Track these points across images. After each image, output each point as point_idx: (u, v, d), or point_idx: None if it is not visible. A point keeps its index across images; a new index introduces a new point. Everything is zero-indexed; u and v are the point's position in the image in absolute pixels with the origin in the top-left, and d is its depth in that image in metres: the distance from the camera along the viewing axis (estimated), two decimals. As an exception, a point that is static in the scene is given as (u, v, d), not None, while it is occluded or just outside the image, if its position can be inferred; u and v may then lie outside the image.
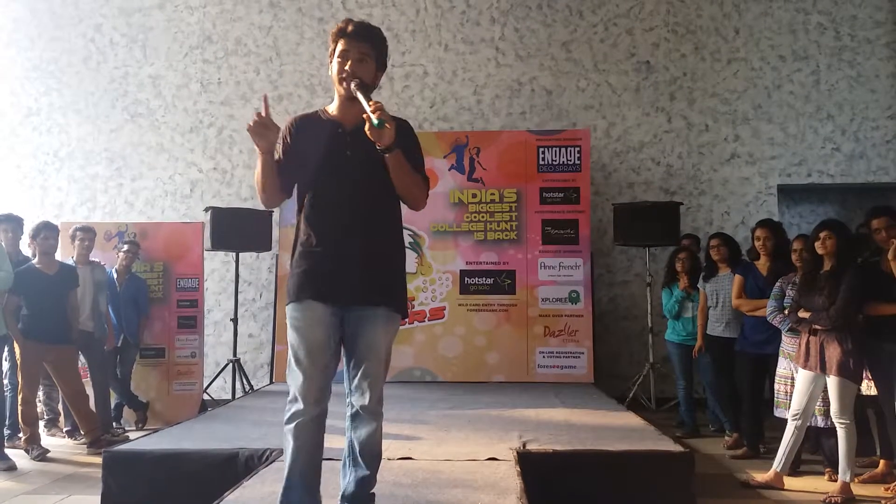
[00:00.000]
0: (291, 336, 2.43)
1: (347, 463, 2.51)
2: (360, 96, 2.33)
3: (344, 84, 2.41)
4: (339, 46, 2.45)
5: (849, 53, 7.54)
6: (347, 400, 2.47)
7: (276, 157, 2.49)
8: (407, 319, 2.60)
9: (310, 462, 2.43)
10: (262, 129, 2.37)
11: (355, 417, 2.45)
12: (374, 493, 2.56)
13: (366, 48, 2.45)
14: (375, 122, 2.22)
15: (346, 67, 2.41)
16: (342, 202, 2.43)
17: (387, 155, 2.33)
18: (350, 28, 2.45)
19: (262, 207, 6.80)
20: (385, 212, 2.51)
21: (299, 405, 2.38)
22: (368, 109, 2.25)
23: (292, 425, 2.39)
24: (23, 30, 7.91)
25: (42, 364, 5.14)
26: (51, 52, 7.87)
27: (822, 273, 4.08)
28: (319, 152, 2.45)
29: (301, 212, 2.53)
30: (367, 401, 2.41)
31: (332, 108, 2.55)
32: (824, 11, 7.58)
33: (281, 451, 3.59)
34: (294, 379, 2.40)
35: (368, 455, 2.46)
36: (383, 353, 2.45)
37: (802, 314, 4.10)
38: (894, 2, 7.56)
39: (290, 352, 2.43)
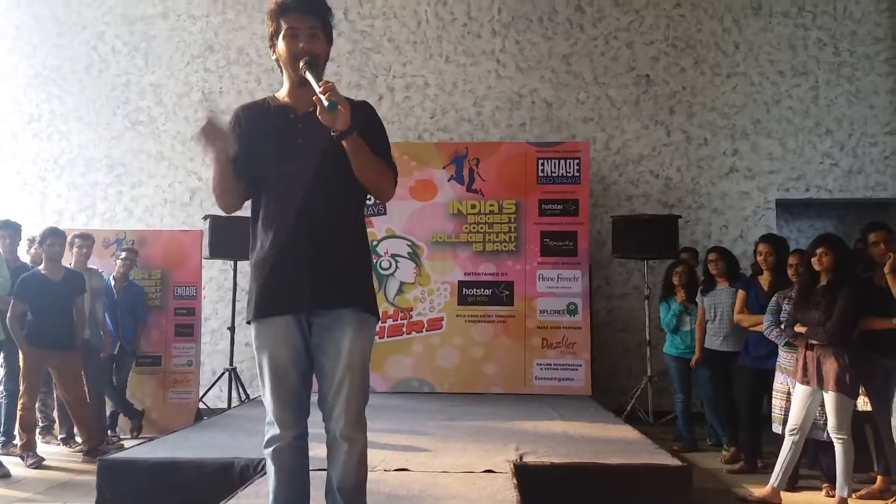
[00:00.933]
0: (258, 358, 2.20)
1: (328, 497, 2.24)
2: (309, 77, 2.08)
3: (301, 65, 2.12)
4: (285, 24, 2.17)
5: (848, 69, 7.58)
6: (325, 426, 2.20)
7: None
8: (380, 319, 2.34)
9: (293, 486, 2.22)
10: (214, 132, 2.11)
11: (328, 447, 2.19)
12: None
13: (315, 22, 2.20)
14: (326, 104, 1.97)
15: (301, 46, 2.15)
16: (296, 196, 2.16)
17: (343, 141, 2.06)
18: (293, 1, 2.17)
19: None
20: (345, 205, 2.22)
21: (275, 430, 2.18)
22: (318, 91, 2.01)
23: (271, 450, 2.20)
24: (25, 37, 7.95)
25: (44, 371, 5.12)
26: (53, 59, 7.90)
27: (819, 288, 4.08)
28: (270, 143, 2.20)
29: (253, 212, 2.29)
30: (341, 425, 2.13)
31: (282, 94, 2.29)
32: (824, 27, 7.62)
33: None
34: (267, 403, 2.19)
35: (350, 488, 2.19)
36: (358, 362, 2.15)
37: (798, 329, 4.10)
38: (893, 18, 7.62)
39: (258, 375, 2.21)
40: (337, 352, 2.14)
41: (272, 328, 2.17)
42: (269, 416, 2.20)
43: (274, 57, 2.27)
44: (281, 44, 2.20)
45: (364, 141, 2.12)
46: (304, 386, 2.21)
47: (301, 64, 2.12)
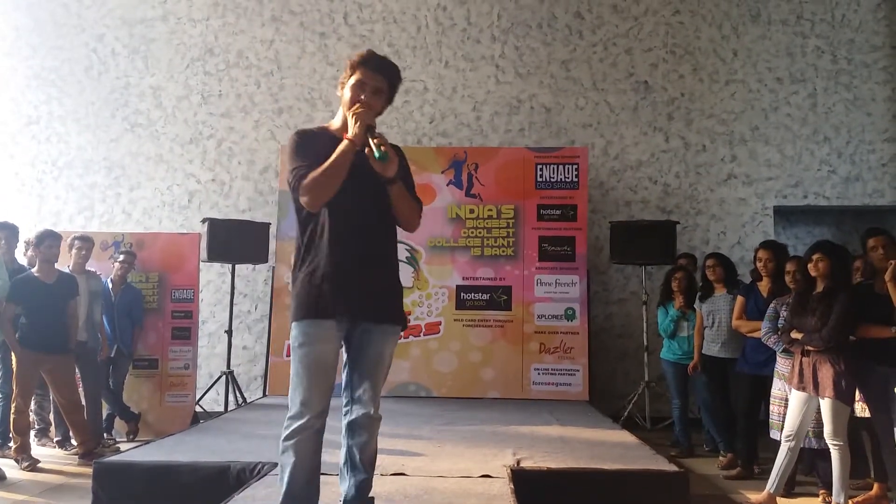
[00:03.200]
0: (300, 353, 2.45)
1: (346, 470, 2.56)
2: (370, 140, 2.40)
3: (356, 113, 2.44)
4: (357, 75, 2.53)
5: (846, 77, 7.61)
6: (346, 408, 2.54)
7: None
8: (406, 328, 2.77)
9: (309, 478, 2.45)
10: (369, 120, 2.44)
11: (354, 425, 2.52)
12: (373, 497, 2.62)
13: (383, 82, 2.55)
14: (377, 154, 2.34)
15: (362, 97, 2.50)
16: (353, 220, 2.49)
17: (391, 185, 2.46)
18: (372, 59, 2.55)
19: (259, 220, 6.89)
20: (388, 228, 2.60)
21: (303, 420, 2.40)
22: (372, 143, 2.37)
23: (293, 441, 2.40)
24: (24, 38, 7.95)
25: (38, 374, 5.10)
26: (52, 61, 7.91)
27: (815, 294, 4.09)
28: None
29: (306, 228, 2.54)
30: (371, 410, 2.49)
31: (336, 125, 2.62)
32: (822, 35, 7.65)
33: (272, 465, 3.58)
34: (300, 395, 2.42)
35: (368, 459, 2.54)
36: (386, 364, 2.58)
37: (795, 335, 4.11)
38: (891, 26, 7.65)
39: (294, 368, 2.45)
40: (377, 354, 2.53)
41: (319, 329, 2.46)
42: (298, 408, 2.42)
43: (339, 94, 2.62)
44: (347, 89, 2.55)
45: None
46: (334, 382, 2.52)
47: (360, 129, 2.41)
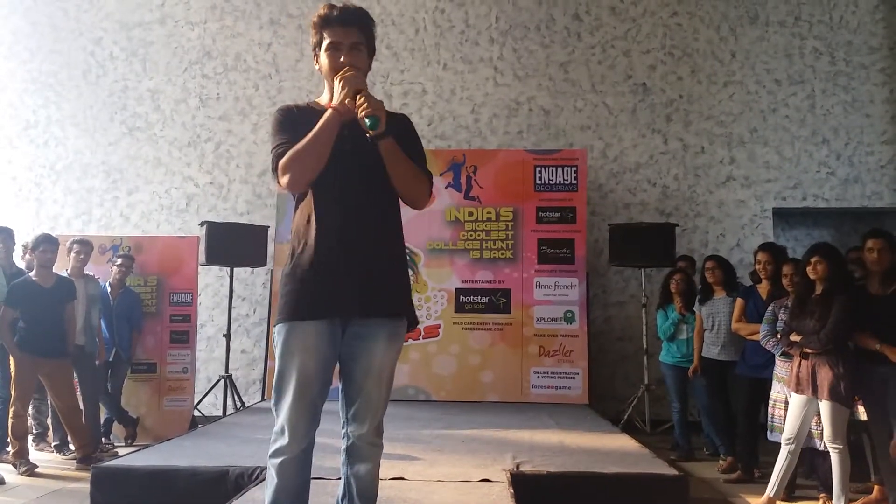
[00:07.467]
0: (280, 363, 2.12)
1: (342, 502, 2.26)
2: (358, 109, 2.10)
3: (345, 77, 2.13)
4: (328, 37, 2.19)
5: (844, 78, 7.61)
6: (343, 430, 2.21)
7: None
8: (416, 328, 2.36)
9: (293, 499, 2.15)
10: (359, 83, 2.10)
11: (351, 451, 2.20)
12: None
13: (356, 35, 2.20)
14: (368, 123, 2.05)
15: (342, 59, 2.17)
16: (341, 202, 2.14)
17: (380, 142, 2.10)
18: (336, 14, 2.18)
19: (257, 223, 6.88)
20: (388, 212, 2.23)
21: (285, 440, 2.09)
22: (359, 117, 2.08)
23: (277, 461, 2.11)
24: (23, 42, 7.94)
25: (35, 378, 5.09)
26: (50, 64, 7.90)
27: (814, 297, 4.08)
28: None
29: (296, 216, 2.24)
30: (364, 430, 2.15)
31: (324, 100, 2.27)
32: (820, 37, 7.66)
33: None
34: (280, 410, 2.11)
35: (366, 498, 2.20)
36: (385, 375, 2.17)
37: (794, 338, 4.10)
38: (889, 28, 7.66)
39: (276, 378, 2.12)
40: (369, 362, 2.14)
41: (303, 334, 2.10)
42: (280, 424, 2.11)
43: (317, 67, 2.28)
44: (322, 55, 2.22)
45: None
46: (322, 397, 2.15)
47: (348, 93, 2.11)
